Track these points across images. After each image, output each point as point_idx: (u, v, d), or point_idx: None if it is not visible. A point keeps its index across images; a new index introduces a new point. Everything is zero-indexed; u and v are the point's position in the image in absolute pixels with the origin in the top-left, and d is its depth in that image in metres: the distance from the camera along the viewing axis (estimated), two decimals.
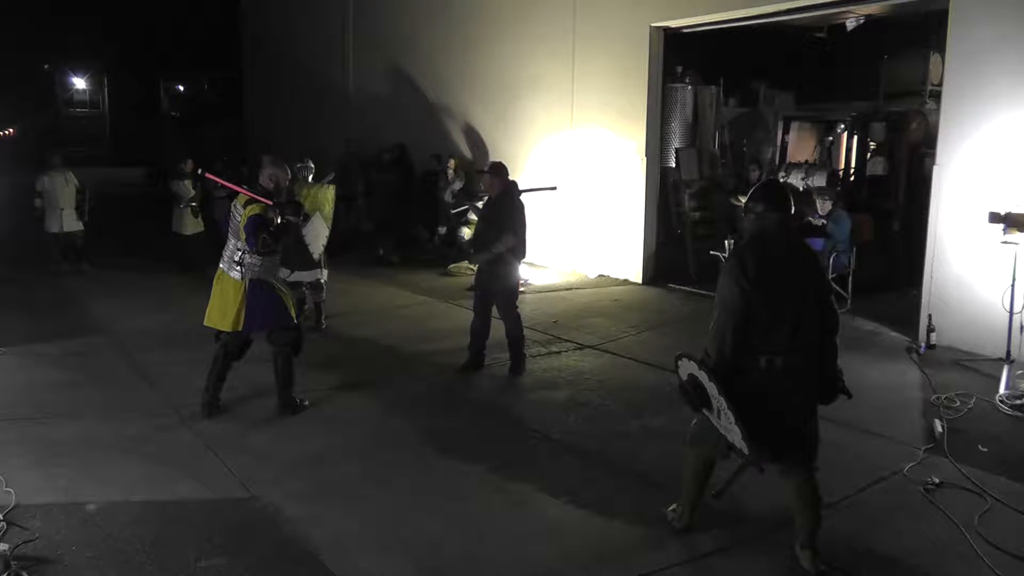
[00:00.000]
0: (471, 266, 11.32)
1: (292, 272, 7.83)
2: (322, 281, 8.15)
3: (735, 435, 3.58)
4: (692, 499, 4.10)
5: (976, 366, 6.79)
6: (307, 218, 7.40)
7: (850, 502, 4.46)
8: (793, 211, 3.80)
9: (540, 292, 10.05)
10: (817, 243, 8.89)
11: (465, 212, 11.15)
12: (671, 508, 4.19)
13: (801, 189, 10.91)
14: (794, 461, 3.74)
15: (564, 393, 6.30)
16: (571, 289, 10.28)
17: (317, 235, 7.87)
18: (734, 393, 3.54)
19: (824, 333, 3.77)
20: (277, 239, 5.51)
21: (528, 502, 4.50)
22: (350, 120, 15.59)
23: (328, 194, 7.98)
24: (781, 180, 11.52)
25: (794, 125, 13.00)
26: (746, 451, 3.58)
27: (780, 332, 3.61)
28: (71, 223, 10.92)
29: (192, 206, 11.13)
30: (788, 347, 3.62)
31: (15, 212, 13.93)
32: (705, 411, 3.74)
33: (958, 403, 5.91)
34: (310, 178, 8.20)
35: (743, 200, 10.15)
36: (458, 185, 12.04)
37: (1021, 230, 6.21)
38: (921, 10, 9.47)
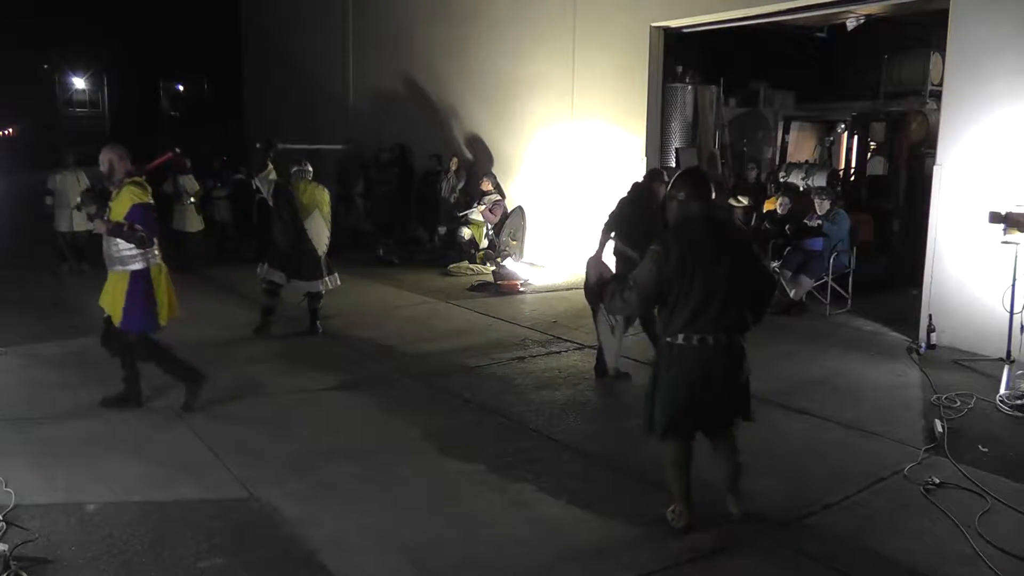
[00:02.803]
0: (471, 266, 11.34)
1: (290, 280, 7.73)
2: (323, 291, 7.93)
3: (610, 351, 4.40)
4: (683, 492, 4.12)
5: (976, 366, 6.79)
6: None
7: (850, 502, 4.46)
8: (713, 197, 4.08)
9: (540, 292, 10.05)
10: (817, 243, 8.90)
11: (468, 213, 11.16)
12: (670, 509, 4.19)
13: (801, 189, 10.91)
14: (720, 427, 4.15)
15: (564, 393, 6.29)
16: (571, 289, 10.27)
17: (319, 235, 7.78)
18: (674, 373, 3.91)
19: (755, 295, 4.04)
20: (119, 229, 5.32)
21: (528, 502, 4.50)
22: (350, 120, 15.59)
23: (325, 196, 7.89)
24: (782, 179, 11.54)
25: (794, 125, 12.99)
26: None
27: (710, 311, 3.85)
28: (80, 222, 10.93)
29: (193, 202, 11.13)
30: (718, 325, 3.88)
31: (15, 212, 13.93)
32: (606, 315, 4.27)
33: (958, 403, 5.90)
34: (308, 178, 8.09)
35: (743, 200, 10.14)
36: (459, 184, 12.04)
37: (1021, 230, 6.21)
38: (921, 10, 9.46)
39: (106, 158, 5.52)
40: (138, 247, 5.42)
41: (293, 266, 7.70)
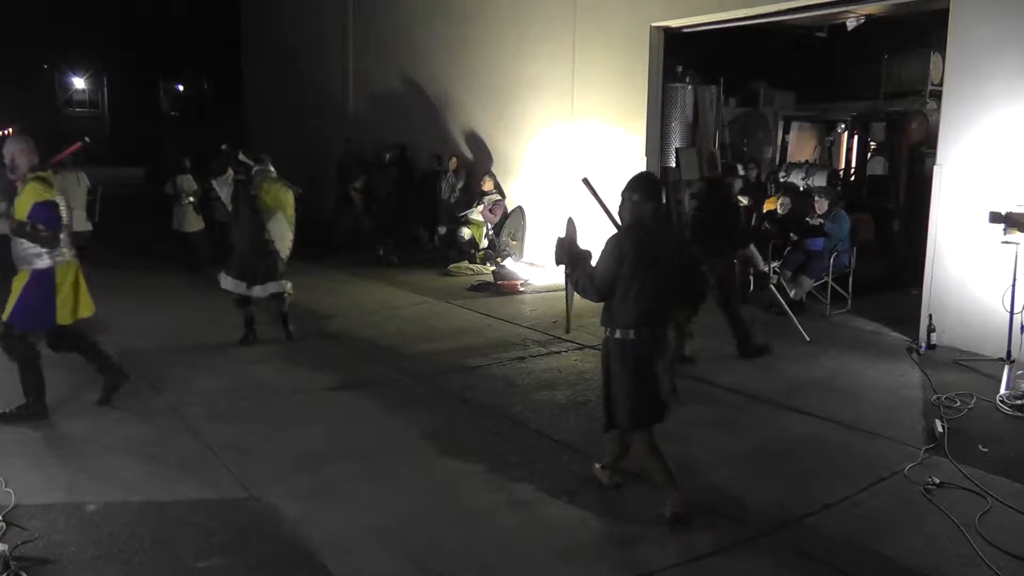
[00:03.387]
0: (471, 266, 11.34)
1: (250, 287, 7.33)
2: (287, 291, 7.51)
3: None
4: (671, 477, 4.21)
5: (976, 366, 6.79)
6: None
7: (850, 502, 4.46)
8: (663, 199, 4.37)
9: (540, 292, 10.05)
10: (817, 243, 8.90)
11: (467, 213, 11.15)
12: (665, 508, 4.19)
13: (801, 189, 10.91)
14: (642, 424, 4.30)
15: (564, 393, 6.30)
16: None
17: (281, 237, 7.43)
18: (630, 367, 4.14)
19: (693, 295, 4.47)
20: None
21: (528, 502, 4.50)
22: (350, 119, 15.59)
23: (290, 197, 7.53)
24: (782, 179, 11.54)
25: (794, 125, 12.98)
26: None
27: (656, 307, 4.15)
28: (80, 223, 10.92)
29: (192, 201, 11.14)
30: (663, 319, 4.19)
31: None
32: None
33: (958, 403, 5.90)
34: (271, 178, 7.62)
35: (744, 201, 10.17)
36: (459, 184, 12.04)
37: (1021, 230, 6.21)
38: (921, 10, 9.46)
39: (8, 151, 5.28)
40: (43, 247, 5.24)
41: (251, 272, 7.33)
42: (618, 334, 4.15)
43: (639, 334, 4.11)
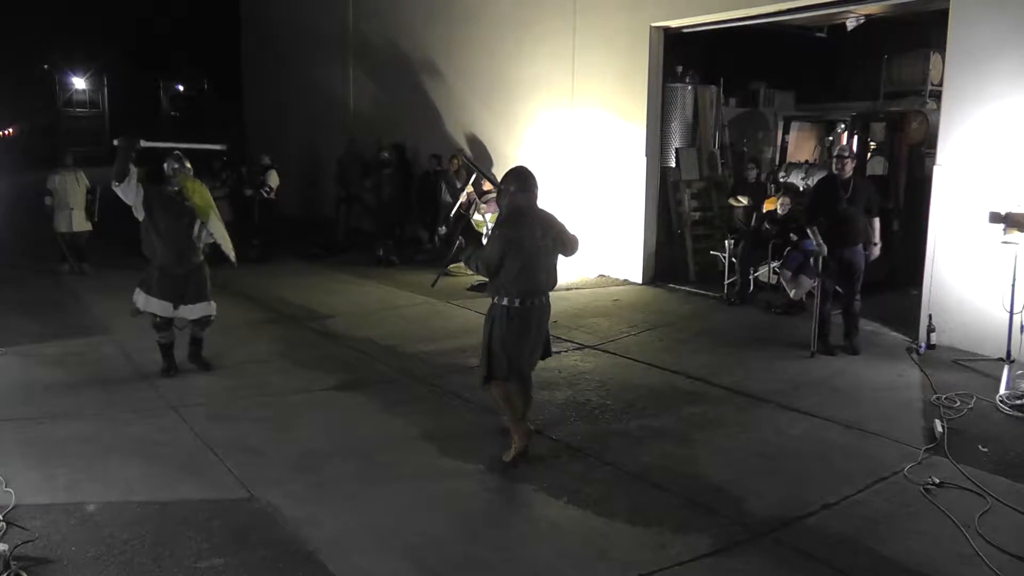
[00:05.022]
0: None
1: (176, 306, 6.45)
2: (211, 316, 6.67)
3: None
4: (519, 416, 4.95)
5: (976, 366, 6.79)
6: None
7: (850, 502, 4.46)
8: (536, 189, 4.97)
9: None
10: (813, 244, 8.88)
11: (462, 217, 11.04)
12: (505, 454, 4.90)
13: (801, 189, 10.90)
14: (531, 367, 5.14)
15: (564, 393, 6.30)
16: (571, 289, 10.27)
17: (224, 238, 6.65)
18: (514, 330, 4.84)
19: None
20: None
21: (528, 502, 4.50)
22: (350, 119, 15.59)
23: (208, 193, 6.65)
24: (782, 179, 11.53)
25: (794, 125, 12.96)
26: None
27: (538, 280, 4.86)
28: (80, 223, 10.94)
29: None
30: (541, 290, 4.91)
31: (15, 211, 13.93)
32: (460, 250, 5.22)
33: (958, 403, 5.90)
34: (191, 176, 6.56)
35: (744, 200, 10.22)
36: (460, 183, 12.02)
37: (1021, 230, 6.20)
38: (921, 10, 9.46)
39: None
40: None
41: (179, 290, 6.43)
42: (505, 301, 4.84)
43: (523, 302, 4.81)
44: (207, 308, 6.59)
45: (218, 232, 6.54)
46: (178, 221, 6.39)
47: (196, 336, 6.71)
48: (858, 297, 7.33)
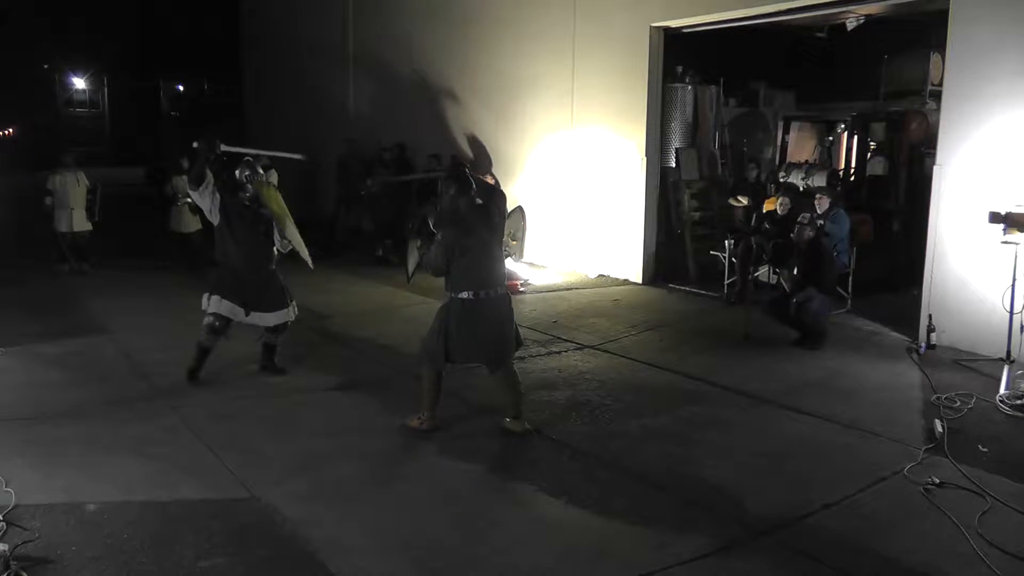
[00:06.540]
0: None
1: (249, 312, 6.30)
2: (291, 320, 6.60)
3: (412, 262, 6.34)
4: (434, 402, 5.34)
5: (976, 366, 6.79)
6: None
7: (850, 502, 4.46)
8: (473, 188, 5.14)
9: (540, 292, 10.05)
10: None
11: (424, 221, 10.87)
12: (416, 419, 5.32)
13: (801, 189, 10.90)
14: (502, 361, 5.32)
15: (564, 393, 6.30)
16: (571, 289, 10.28)
17: (301, 245, 6.60)
18: (474, 319, 5.12)
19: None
20: None
21: (528, 502, 4.50)
22: (350, 119, 15.59)
23: (282, 201, 6.56)
24: (782, 179, 11.53)
25: (794, 125, 12.99)
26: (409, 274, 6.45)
27: (489, 274, 5.15)
28: (80, 223, 10.95)
29: (188, 202, 11.15)
30: (496, 282, 5.19)
31: (16, 211, 13.94)
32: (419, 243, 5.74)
33: (958, 403, 5.90)
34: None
35: (744, 200, 10.24)
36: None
37: (1021, 230, 6.20)
38: (921, 10, 9.46)
39: None
40: None
41: (252, 297, 6.30)
42: (462, 295, 5.11)
43: (475, 295, 5.09)
44: (285, 315, 6.48)
45: (295, 239, 6.45)
46: (254, 229, 6.33)
47: (270, 343, 6.65)
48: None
